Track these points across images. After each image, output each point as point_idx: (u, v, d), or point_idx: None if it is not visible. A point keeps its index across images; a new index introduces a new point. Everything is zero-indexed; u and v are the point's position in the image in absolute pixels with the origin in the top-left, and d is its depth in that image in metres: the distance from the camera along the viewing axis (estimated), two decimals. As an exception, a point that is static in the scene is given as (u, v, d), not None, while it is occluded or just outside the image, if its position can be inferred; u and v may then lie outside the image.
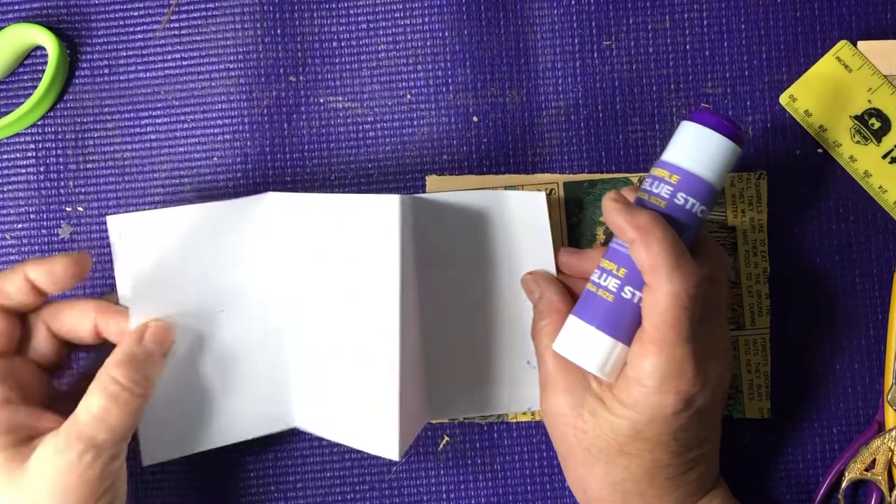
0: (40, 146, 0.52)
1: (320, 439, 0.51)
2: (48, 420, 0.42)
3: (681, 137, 0.43)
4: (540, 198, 0.49)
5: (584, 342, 0.43)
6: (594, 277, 0.44)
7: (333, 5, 0.52)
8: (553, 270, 0.49)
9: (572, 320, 0.44)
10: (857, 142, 0.51)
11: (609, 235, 0.51)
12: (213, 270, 0.47)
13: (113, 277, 0.46)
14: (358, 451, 0.51)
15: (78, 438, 0.40)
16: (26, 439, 0.41)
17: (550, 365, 0.45)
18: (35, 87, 0.52)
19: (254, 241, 0.48)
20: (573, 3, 0.52)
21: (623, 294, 0.42)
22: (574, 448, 0.44)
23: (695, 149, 0.43)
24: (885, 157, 0.51)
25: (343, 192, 0.51)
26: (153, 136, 0.52)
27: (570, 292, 0.47)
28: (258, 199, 0.48)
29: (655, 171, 0.43)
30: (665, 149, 0.44)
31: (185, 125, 0.52)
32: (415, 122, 0.52)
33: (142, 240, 0.46)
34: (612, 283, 0.42)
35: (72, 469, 0.40)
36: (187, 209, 0.47)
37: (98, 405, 0.41)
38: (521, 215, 0.49)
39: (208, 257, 0.47)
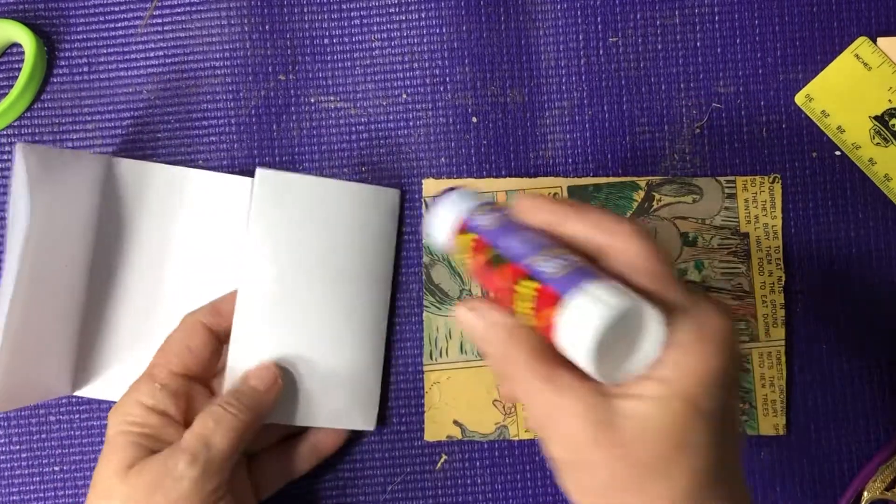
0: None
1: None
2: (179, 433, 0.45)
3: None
4: (393, 195, 0.49)
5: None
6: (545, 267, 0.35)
7: (325, 0, 0.51)
8: (390, 273, 0.49)
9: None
10: (877, 143, 0.50)
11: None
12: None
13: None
14: (352, 471, 0.50)
15: (183, 451, 0.43)
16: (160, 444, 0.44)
17: (545, 394, 0.35)
18: (11, 86, 0.51)
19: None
20: (577, -3, 0.51)
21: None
22: (616, 473, 0.34)
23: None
24: (906, 159, 0.50)
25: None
26: (135, 138, 0.51)
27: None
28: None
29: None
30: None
31: (169, 126, 0.51)
32: (411, 123, 0.51)
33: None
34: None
35: (167, 476, 0.42)
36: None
37: (201, 423, 0.44)
38: (373, 211, 0.49)
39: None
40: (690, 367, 0.33)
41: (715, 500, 0.35)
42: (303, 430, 0.49)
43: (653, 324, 0.33)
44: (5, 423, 0.51)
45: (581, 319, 0.32)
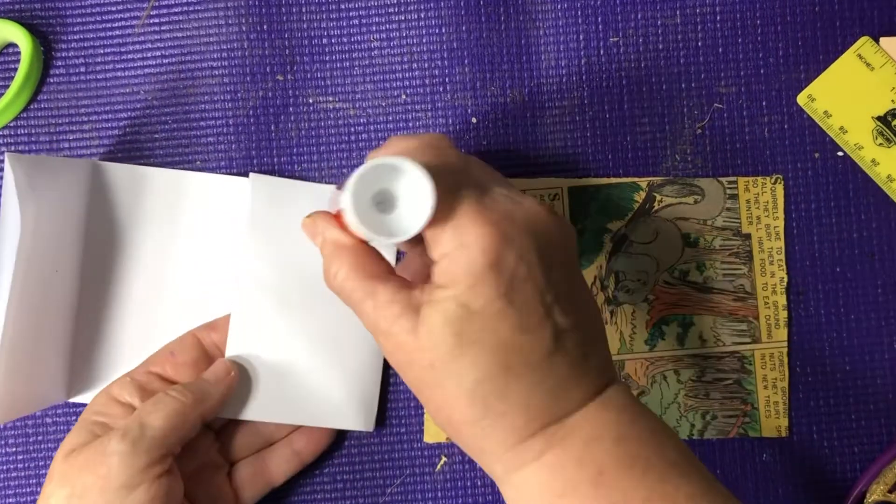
0: (12, 149, 0.51)
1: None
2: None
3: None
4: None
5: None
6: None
7: (323, 0, 0.50)
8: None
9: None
10: (880, 144, 0.49)
11: (616, 243, 0.49)
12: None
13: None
14: (350, 473, 0.50)
15: (116, 430, 0.43)
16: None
17: (371, 302, 0.39)
18: (7, 87, 0.50)
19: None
20: (578, -3, 0.50)
21: None
22: (422, 374, 0.38)
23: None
24: (909, 160, 0.49)
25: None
26: (132, 139, 0.51)
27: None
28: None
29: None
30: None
31: (167, 127, 0.50)
32: (410, 124, 0.50)
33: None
34: None
35: (99, 453, 0.43)
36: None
37: (141, 407, 0.44)
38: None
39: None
40: (457, 272, 0.37)
41: (512, 392, 0.37)
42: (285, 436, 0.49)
43: (421, 183, 0.36)
44: (2, 427, 0.50)
45: (346, 184, 0.37)
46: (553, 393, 0.37)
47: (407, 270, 0.44)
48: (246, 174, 0.50)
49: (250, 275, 0.48)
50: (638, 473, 0.37)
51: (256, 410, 0.48)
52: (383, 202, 0.38)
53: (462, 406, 0.37)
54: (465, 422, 0.38)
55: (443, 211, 0.37)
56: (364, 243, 0.40)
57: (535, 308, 0.37)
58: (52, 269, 0.47)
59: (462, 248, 0.37)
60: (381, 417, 0.50)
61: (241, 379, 0.48)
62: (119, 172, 0.49)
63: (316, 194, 0.49)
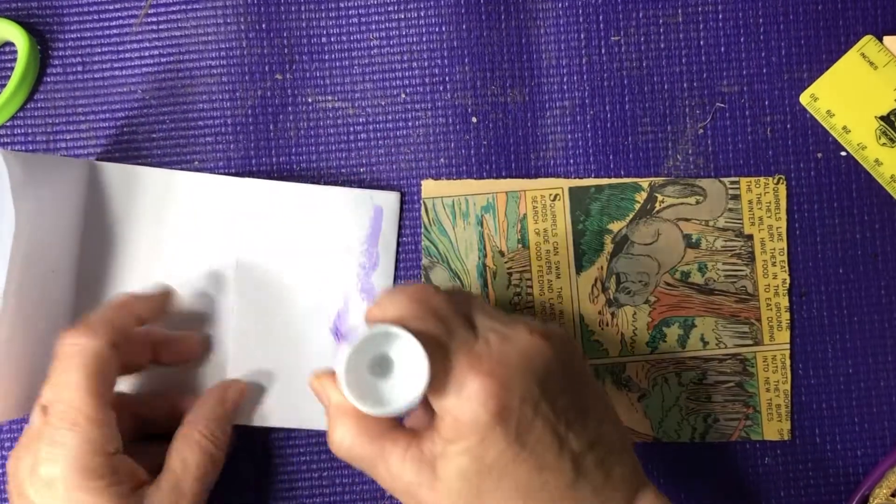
0: (9, 148, 0.50)
1: (308, 464, 0.50)
2: (139, 468, 0.43)
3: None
4: (392, 197, 0.49)
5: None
6: None
7: None
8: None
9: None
10: (884, 144, 0.49)
11: (617, 244, 0.48)
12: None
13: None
14: (349, 476, 0.50)
15: (183, 496, 0.43)
16: (133, 490, 0.42)
17: (383, 465, 0.39)
18: (3, 86, 0.50)
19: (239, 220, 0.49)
20: (579, -5, 0.50)
21: None
22: None
23: None
24: (913, 160, 0.49)
25: (333, 199, 0.50)
26: (130, 139, 0.50)
27: None
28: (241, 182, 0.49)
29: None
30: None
31: (165, 127, 0.50)
32: (410, 124, 0.50)
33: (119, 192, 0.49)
34: None
35: None
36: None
37: (196, 463, 0.43)
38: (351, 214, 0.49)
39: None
40: (463, 427, 0.37)
41: None
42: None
43: (415, 352, 0.36)
44: (-2, 428, 0.50)
45: (339, 357, 0.37)
46: None
47: (412, 417, 0.44)
48: (245, 174, 0.50)
49: (249, 277, 0.48)
50: None
51: (261, 416, 0.48)
52: (380, 365, 0.38)
53: None
54: None
55: (439, 366, 0.37)
56: None
57: (550, 443, 0.38)
58: (48, 269, 0.47)
59: (464, 403, 0.37)
60: (380, 419, 0.49)
61: (254, 388, 0.48)
62: (116, 172, 0.49)
63: (308, 194, 0.49)
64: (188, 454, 0.44)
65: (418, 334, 0.37)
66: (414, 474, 0.38)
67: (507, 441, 0.37)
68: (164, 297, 0.47)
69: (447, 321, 0.38)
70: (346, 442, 0.39)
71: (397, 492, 0.39)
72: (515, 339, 0.38)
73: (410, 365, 0.37)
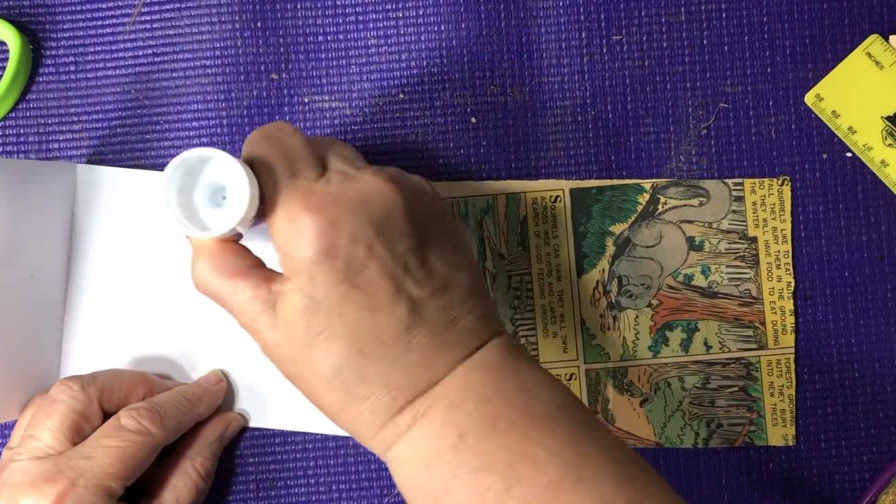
0: (1, 150, 0.50)
1: (305, 468, 0.50)
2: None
3: None
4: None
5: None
6: None
7: None
8: None
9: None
10: (890, 145, 0.49)
11: (619, 246, 0.48)
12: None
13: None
14: (346, 483, 0.50)
15: None
16: None
17: (234, 300, 0.39)
18: None
19: None
20: (580, -7, 0.50)
21: None
22: (288, 369, 0.39)
23: None
24: (920, 161, 0.49)
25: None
26: (123, 139, 0.50)
27: None
28: None
29: None
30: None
31: (158, 127, 0.50)
32: (408, 124, 0.50)
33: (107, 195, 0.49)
34: None
35: None
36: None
37: (187, 500, 0.46)
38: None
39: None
40: (295, 263, 0.37)
41: (371, 373, 0.37)
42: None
43: (237, 177, 0.37)
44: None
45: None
46: (416, 366, 0.38)
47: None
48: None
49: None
50: (499, 435, 0.37)
51: (268, 418, 0.49)
52: (222, 195, 0.38)
53: (327, 395, 0.38)
54: (335, 410, 0.38)
55: (276, 201, 0.37)
56: (229, 241, 0.40)
57: (383, 286, 0.37)
58: (27, 274, 0.46)
59: (295, 239, 0.37)
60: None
61: (252, 388, 0.48)
62: (107, 175, 0.49)
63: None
64: (183, 489, 0.45)
65: (249, 161, 0.38)
66: (258, 312, 0.38)
67: (335, 279, 0.37)
68: (164, 387, 0.47)
69: (294, 159, 0.38)
70: (202, 276, 0.39)
71: (248, 330, 0.39)
72: (358, 179, 0.38)
73: (239, 192, 0.37)
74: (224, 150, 0.37)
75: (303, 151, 0.39)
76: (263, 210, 0.38)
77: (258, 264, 0.39)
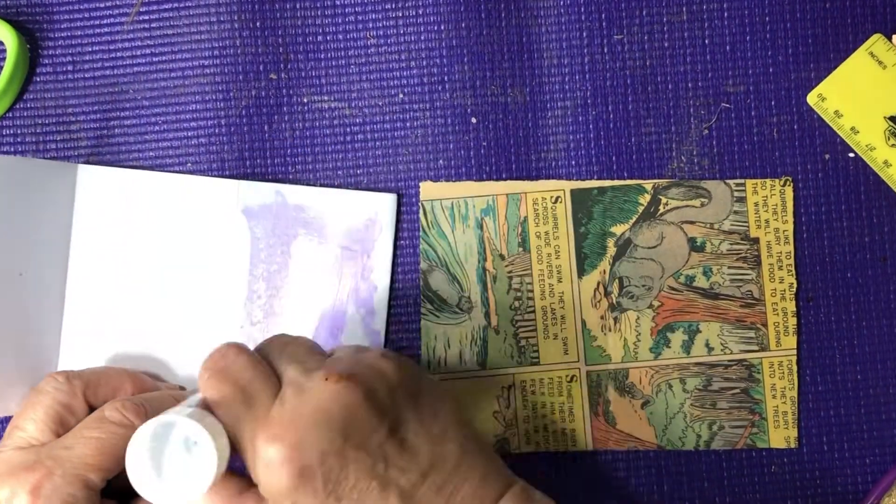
0: None
1: None
2: None
3: None
4: (390, 200, 0.49)
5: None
6: None
7: None
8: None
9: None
10: (893, 145, 0.48)
11: (620, 248, 0.48)
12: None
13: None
14: None
15: None
16: None
17: None
18: None
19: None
20: (581, -7, 0.50)
21: None
22: None
23: None
24: (923, 161, 0.49)
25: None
26: (121, 140, 0.49)
27: None
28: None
29: None
30: None
31: (157, 128, 0.49)
32: (408, 124, 0.49)
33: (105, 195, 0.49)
34: None
35: None
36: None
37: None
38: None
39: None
40: (274, 490, 0.37)
41: None
42: None
43: (204, 441, 0.36)
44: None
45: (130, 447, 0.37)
46: None
47: None
48: (239, 176, 0.49)
49: (244, 280, 0.47)
50: None
51: None
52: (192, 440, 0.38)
53: None
54: None
55: (240, 438, 0.38)
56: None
57: (369, 487, 0.37)
58: (15, 272, 0.46)
59: (265, 470, 0.37)
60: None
61: None
62: (107, 175, 0.49)
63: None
64: None
65: (207, 406, 0.38)
66: None
67: (318, 499, 0.37)
68: (154, 386, 0.47)
69: (245, 388, 0.38)
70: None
71: None
72: (310, 390, 0.38)
73: (204, 447, 0.37)
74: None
75: (251, 374, 0.38)
76: (233, 449, 0.38)
77: (251, 485, 0.39)
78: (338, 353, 0.41)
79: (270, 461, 0.36)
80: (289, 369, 0.39)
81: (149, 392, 0.46)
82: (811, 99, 0.49)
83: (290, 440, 0.36)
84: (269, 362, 0.40)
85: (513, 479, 0.40)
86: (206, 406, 0.38)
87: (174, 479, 0.37)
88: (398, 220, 0.49)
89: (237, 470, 0.40)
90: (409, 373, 0.40)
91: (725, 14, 0.49)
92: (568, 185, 0.49)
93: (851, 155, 0.49)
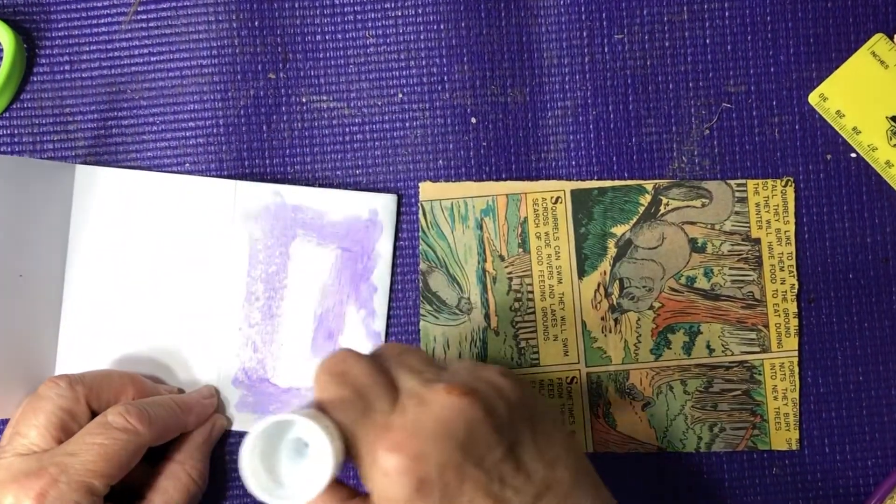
0: None
1: None
2: None
3: None
4: (389, 200, 0.48)
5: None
6: None
7: None
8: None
9: None
10: (895, 145, 0.48)
11: (620, 248, 0.48)
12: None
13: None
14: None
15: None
16: None
17: None
18: None
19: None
20: (581, -8, 0.49)
21: None
22: None
23: None
24: (925, 162, 0.49)
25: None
26: (119, 140, 0.49)
27: None
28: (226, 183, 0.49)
29: None
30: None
31: (155, 127, 0.49)
32: (407, 124, 0.49)
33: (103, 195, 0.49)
34: None
35: None
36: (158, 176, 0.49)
37: (180, 503, 0.45)
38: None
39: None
40: (390, 501, 0.36)
41: None
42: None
43: (319, 440, 0.35)
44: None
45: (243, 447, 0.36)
46: None
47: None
48: (237, 176, 0.49)
49: (243, 280, 0.47)
50: None
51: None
52: (302, 444, 0.37)
53: None
54: None
55: (357, 444, 0.37)
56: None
57: (484, 502, 0.36)
58: (15, 273, 0.46)
59: (383, 479, 0.36)
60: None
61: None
62: (105, 175, 0.48)
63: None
64: (174, 493, 0.45)
65: (321, 407, 0.37)
66: None
67: None
68: (154, 390, 0.47)
69: (365, 393, 0.37)
70: None
71: None
72: (432, 402, 0.37)
73: (320, 449, 0.36)
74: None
75: (371, 381, 0.37)
76: (347, 453, 0.37)
77: (351, 495, 0.39)
78: (454, 365, 0.40)
79: (390, 470, 0.36)
80: (407, 379, 0.38)
81: (150, 395, 0.46)
82: (813, 99, 0.49)
83: (411, 450, 0.36)
84: (384, 370, 0.39)
85: None
86: (319, 410, 0.37)
87: (287, 481, 0.36)
88: (398, 221, 0.49)
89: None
90: (527, 393, 0.40)
91: (726, 13, 0.49)
92: (568, 186, 0.49)
93: (853, 155, 0.49)
